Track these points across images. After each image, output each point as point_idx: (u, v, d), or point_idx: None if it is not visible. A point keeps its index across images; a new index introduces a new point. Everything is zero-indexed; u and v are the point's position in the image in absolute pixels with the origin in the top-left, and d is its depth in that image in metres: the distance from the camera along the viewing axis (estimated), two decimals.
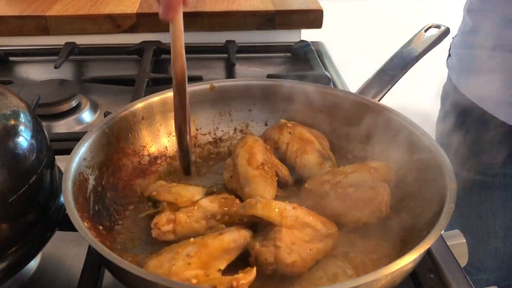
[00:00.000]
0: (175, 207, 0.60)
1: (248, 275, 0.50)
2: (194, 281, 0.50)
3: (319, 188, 0.62)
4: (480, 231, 1.08)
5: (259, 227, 0.57)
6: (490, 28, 0.76)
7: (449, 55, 1.05)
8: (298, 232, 0.54)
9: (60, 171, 0.63)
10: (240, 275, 0.50)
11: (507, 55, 0.88)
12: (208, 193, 0.63)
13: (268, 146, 0.70)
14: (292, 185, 0.68)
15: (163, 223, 0.58)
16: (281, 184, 0.67)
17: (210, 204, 0.60)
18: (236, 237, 0.55)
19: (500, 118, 0.93)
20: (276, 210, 0.54)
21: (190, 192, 0.62)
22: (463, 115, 1.02)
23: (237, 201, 0.61)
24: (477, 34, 0.90)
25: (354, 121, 0.71)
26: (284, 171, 0.68)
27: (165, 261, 0.52)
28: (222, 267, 0.53)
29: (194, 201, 0.61)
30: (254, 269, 0.50)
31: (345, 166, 0.66)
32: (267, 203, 0.55)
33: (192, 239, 0.55)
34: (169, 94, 0.73)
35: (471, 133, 1.00)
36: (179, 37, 0.62)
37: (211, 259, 0.52)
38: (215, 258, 0.53)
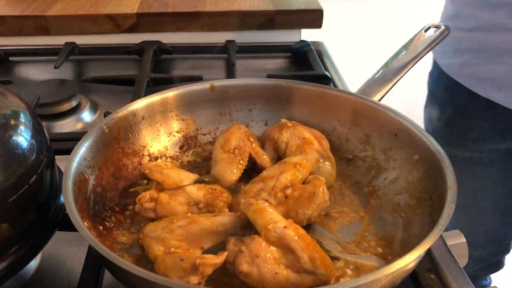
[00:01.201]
0: (161, 187, 0.62)
1: (215, 258, 0.50)
2: (172, 249, 0.53)
3: (258, 198, 0.59)
4: (471, 207, 1.10)
5: None
6: (470, 11, 0.79)
7: None
8: (275, 251, 0.51)
9: (60, 171, 0.63)
10: (207, 256, 0.50)
11: (484, 35, 0.93)
12: (199, 181, 0.63)
13: (255, 135, 0.72)
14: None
15: (146, 200, 0.60)
16: (259, 170, 0.67)
17: (195, 192, 0.62)
18: (225, 222, 0.56)
19: (481, 94, 0.95)
20: (266, 219, 0.52)
21: (180, 176, 0.64)
22: (449, 95, 1.05)
23: (225, 194, 0.62)
24: (458, 18, 0.95)
25: (354, 121, 0.72)
26: (262, 160, 0.69)
27: (159, 227, 0.56)
28: (206, 246, 0.55)
29: (181, 186, 0.62)
30: (224, 255, 0.50)
31: (268, 169, 0.65)
32: (261, 209, 0.53)
33: (189, 214, 0.58)
34: (169, 94, 0.73)
35: (456, 111, 1.03)
36: None
37: (198, 236, 0.55)
38: (202, 236, 0.55)
